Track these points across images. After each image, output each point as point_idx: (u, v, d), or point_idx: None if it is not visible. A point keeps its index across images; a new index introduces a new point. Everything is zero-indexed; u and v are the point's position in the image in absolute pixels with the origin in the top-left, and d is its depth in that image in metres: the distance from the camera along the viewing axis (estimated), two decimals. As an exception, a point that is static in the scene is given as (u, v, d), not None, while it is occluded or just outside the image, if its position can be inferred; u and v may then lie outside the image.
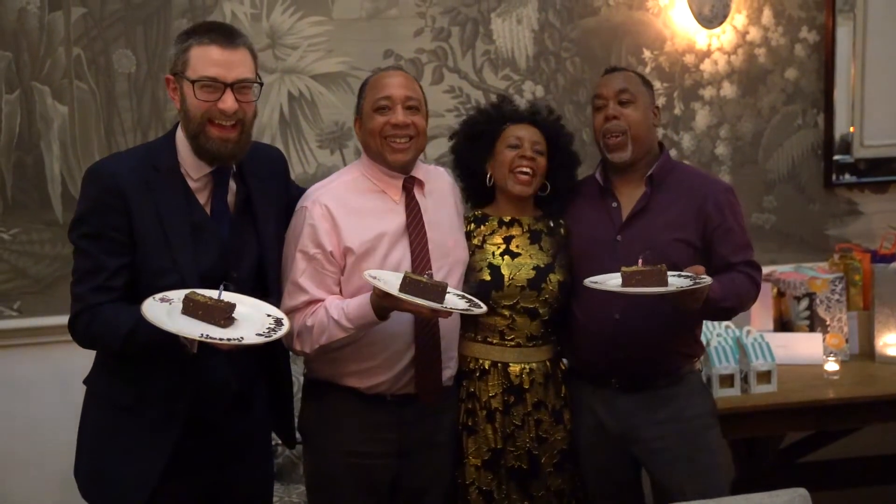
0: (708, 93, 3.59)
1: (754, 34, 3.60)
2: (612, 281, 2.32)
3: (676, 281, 2.27)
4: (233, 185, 2.24)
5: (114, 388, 2.20)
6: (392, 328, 2.32)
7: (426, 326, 2.36)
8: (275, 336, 2.03)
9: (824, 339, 3.27)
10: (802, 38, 3.63)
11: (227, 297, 2.04)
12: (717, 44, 3.57)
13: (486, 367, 2.50)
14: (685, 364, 2.58)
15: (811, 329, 3.32)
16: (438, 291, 2.16)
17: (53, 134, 3.19)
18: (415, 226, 2.39)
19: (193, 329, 1.96)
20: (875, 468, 3.53)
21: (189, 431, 2.16)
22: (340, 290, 2.37)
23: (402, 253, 2.37)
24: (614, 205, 2.56)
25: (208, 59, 2.10)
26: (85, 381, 2.29)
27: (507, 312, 2.48)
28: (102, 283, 2.10)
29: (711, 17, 3.49)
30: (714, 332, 3.08)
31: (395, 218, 2.40)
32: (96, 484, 2.22)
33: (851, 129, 3.67)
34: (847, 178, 3.70)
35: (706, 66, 3.58)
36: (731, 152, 3.63)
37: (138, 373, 2.15)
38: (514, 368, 2.50)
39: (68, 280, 2.20)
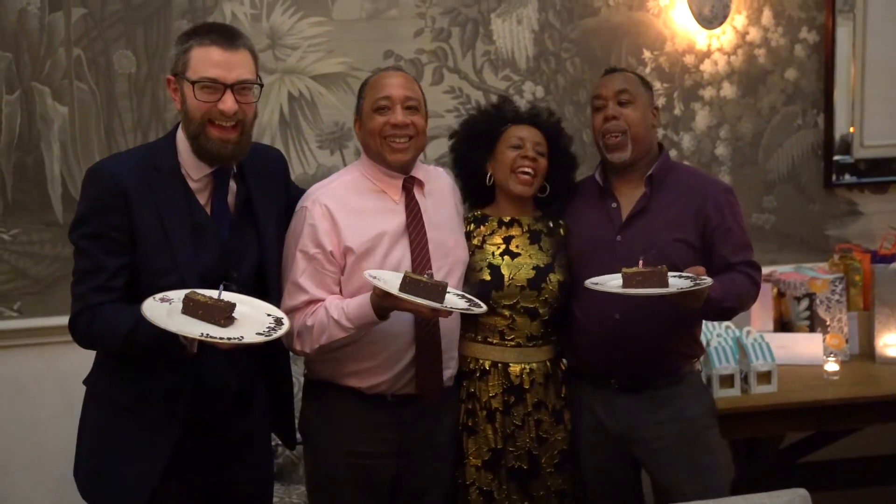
0: (708, 93, 3.59)
1: (754, 35, 3.60)
2: (612, 282, 2.32)
3: (677, 282, 2.27)
4: (233, 185, 2.24)
5: (114, 389, 2.20)
6: (392, 328, 2.32)
7: (426, 326, 2.36)
8: (275, 335, 2.03)
9: (824, 340, 3.27)
10: (802, 39, 3.63)
11: (227, 296, 2.04)
12: (717, 44, 3.57)
13: (487, 368, 2.50)
14: (685, 364, 2.58)
15: (811, 329, 3.32)
16: (438, 291, 2.16)
17: (54, 134, 3.19)
18: (415, 225, 2.40)
19: (193, 328, 1.96)
20: (875, 468, 3.53)
21: (189, 431, 2.16)
22: (340, 290, 2.37)
23: (402, 253, 2.38)
24: (614, 205, 2.56)
25: (209, 60, 2.11)
26: (85, 382, 2.29)
27: (507, 312, 2.49)
28: (103, 283, 2.10)
29: (711, 17, 3.49)
30: (714, 333, 3.08)
31: (395, 218, 2.40)
32: (96, 484, 2.22)
33: (851, 129, 3.67)
34: (847, 178, 3.70)
35: (706, 66, 3.58)
36: (731, 153, 3.63)
37: (138, 373, 2.15)
38: (515, 368, 2.50)
39: (68, 281, 2.20)
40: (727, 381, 2.98)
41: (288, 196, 2.42)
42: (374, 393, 2.38)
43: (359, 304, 2.26)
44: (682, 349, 2.56)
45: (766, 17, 3.60)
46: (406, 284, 2.15)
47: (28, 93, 3.17)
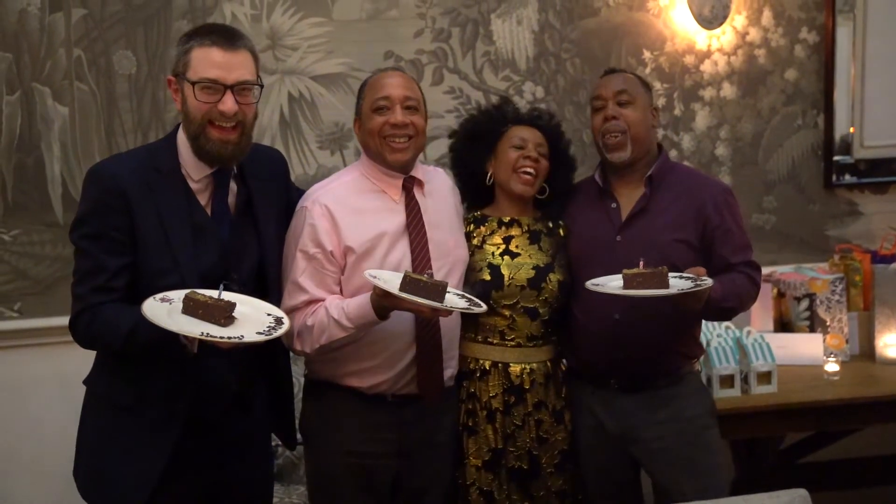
0: (708, 93, 3.60)
1: (754, 35, 3.60)
2: (613, 283, 2.33)
3: (678, 283, 2.28)
4: (233, 186, 2.24)
5: (114, 389, 2.21)
6: (393, 328, 2.33)
7: (427, 326, 2.36)
8: (275, 334, 2.03)
9: (824, 340, 3.27)
10: (802, 39, 3.63)
11: (227, 296, 2.05)
12: (717, 44, 3.57)
13: (487, 368, 2.50)
14: (685, 364, 2.58)
15: (811, 330, 3.32)
16: (438, 290, 2.16)
17: (54, 135, 3.19)
18: (415, 225, 2.40)
19: (194, 328, 1.97)
20: (875, 469, 3.53)
21: (189, 431, 2.16)
22: (341, 290, 2.37)
23: (403, 252, 2.38)
24: (613, 205, 2.56)
25: (209, 61, 2.11)
26: (85, 382, 2.29)
27: (507, 312, 2.49)
28: (103, 283, 2.10)
29: (711, 17, 3.49)
30: (714, 333, 3.08)
31: (395, 217, 2.40)
32: (96, 484, 2.22)
33: (851, 129, 3.67)
34: (847, 178, 3.70)
35: (706, 66, 3.58)
36: (731, 153, 3.64)
37: (138, 373, 2.15)
38: (515, 368, 2.50)
39: (69, 281, 2.21)
40: (727, 381, 2.98)
41: (288, 197, 2.43)
42: (374, 393, 2.38)
43: (359, 303, 2.27)
44: (682, 349, 2.57)
45: (766, 17, 3.60)
46: (406, 284, 2.15)
47: (28, 93, 3.17)
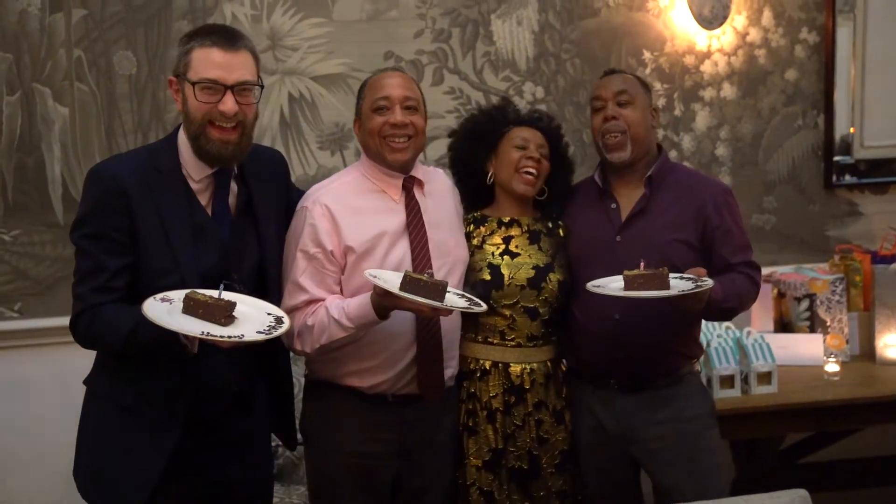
0: (708, 94, 3.60)
1: (754, 35, 3.60)
2: (613, 284, 2.33)
3: (678, 284, 2.28)
4: (234, 186, 2.25)
5: (114, 389, 2.21)
6: (393, 327, 2.33)
7: (427, 325, 2.36)
8: (275, 334, 2.03)
9: (825, 340, 3.27)
10: (802, 39, 3.64)
11: (227, 296, 2.05)
12: (717, 45, 3.57)
13: (487, 368, 2.50)
14: (685, 364, 2.58)
15: (811, 330, 3.32)
16: (439, 290, 2.16)
17: (54, 135, 3.19)
18: (415, 225, 2.40)
19: (194, 327, 1.97)
20: (875, 469, 3.53)
21: (189, 431, 2.16)
22: (341, 290, 2.37)
23: (403, 252, 2.38)
24: (613, 206, 2.56)
25: (209, 62, 2.11)
26: (85, 382, 2.29)
27: (507, 312, 2.49)
28: (103, 283, 2.10)
29: (711, 18, 3.50)
30: (714, 333, 3.08)
31: (396, 217, 2.40)
32: (96, 484, 2.22)
33: (851, 129, 3.68)
34: (847, 178, 3.70)
35: (706, 67, 3.58)
36: (731, 153, 3.64)
37: (138, 373, 2.15)
38: (515, 368, 2.50)
39: (69, 281, 2.21)
40: (727, 381, 2.98)
41: (288, 197, 2.43)
42: (374, 393, 2.39)
43: (359, 303, 2.27)
44: (682, 349, 2.57)
45: (766, 17, 3.60)
46: (406, 283, 2.16)
47: (29, 94, 3.17)
